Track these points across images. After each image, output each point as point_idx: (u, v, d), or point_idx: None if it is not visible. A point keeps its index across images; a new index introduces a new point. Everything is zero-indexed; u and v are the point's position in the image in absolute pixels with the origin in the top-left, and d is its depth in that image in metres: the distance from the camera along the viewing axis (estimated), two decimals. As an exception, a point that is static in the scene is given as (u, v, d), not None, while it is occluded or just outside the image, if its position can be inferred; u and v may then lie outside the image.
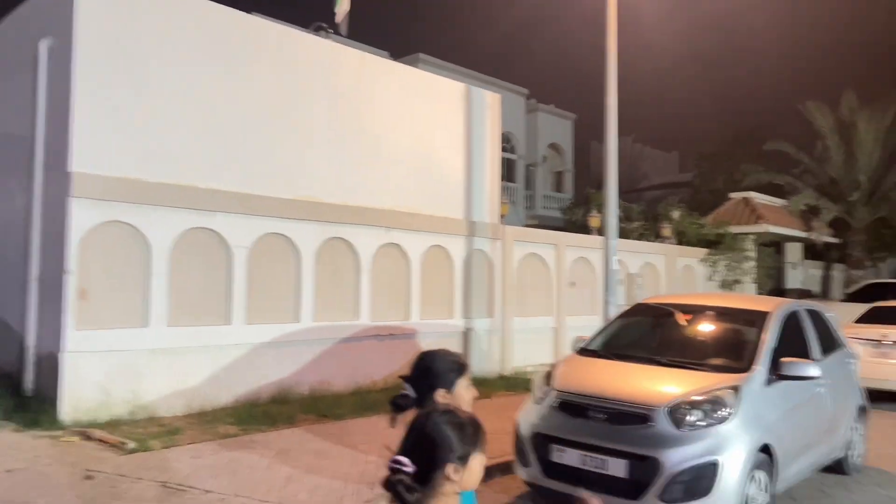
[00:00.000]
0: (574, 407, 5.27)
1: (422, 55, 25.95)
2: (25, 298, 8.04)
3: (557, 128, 35.02)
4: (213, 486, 5.57)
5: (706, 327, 6.16)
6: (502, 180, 29.42)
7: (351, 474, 5.98)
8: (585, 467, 5.00)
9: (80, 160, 7.55)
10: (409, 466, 1.71)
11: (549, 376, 5.73)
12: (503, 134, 29.71)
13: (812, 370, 5.38)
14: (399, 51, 23.27)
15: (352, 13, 12.72)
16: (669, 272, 16.78)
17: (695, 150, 37.14)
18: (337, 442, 7.04)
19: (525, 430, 5.45)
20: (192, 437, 7.00)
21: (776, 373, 5.40)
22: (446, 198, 11.69)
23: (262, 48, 9.39)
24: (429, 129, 11.49)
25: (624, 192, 28.63)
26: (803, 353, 5.99)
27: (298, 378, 9.36)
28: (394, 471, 1.72)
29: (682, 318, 6.17)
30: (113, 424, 7.35)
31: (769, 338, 5.61)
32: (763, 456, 5.03)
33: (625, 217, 19.74)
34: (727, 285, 18.36)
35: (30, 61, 8.33)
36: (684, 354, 5.81)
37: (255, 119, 9.20)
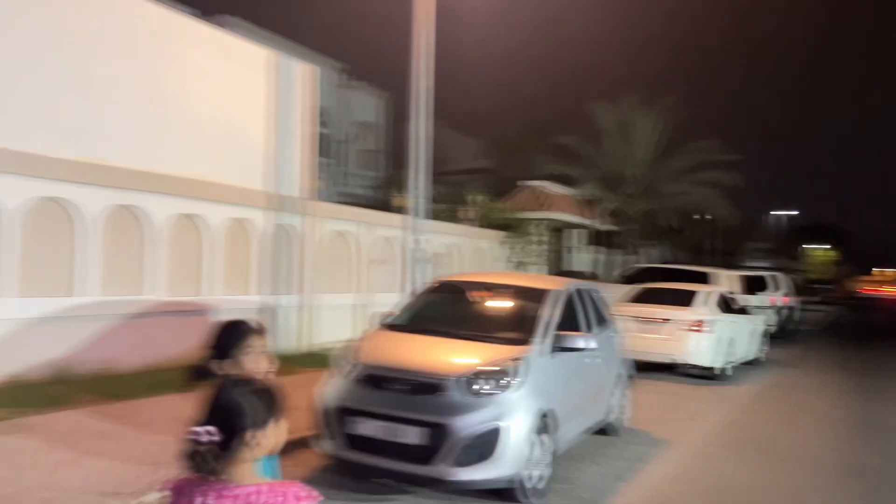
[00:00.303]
0: (376, 379, 5.43)
1: (230, 17, 24.71)
2: None
3: (371, 106, 35.12)
4: (-25, 475, 5.00)
5: (498, 303, 6.62)
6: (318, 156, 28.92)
7: (134, 455, 5.66)
8: (383, 437, 5.19)
9: None
10: (211, 435, 1.69)
11: (352, 350, 5.84)
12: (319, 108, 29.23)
13: (586, 342, 6.01)
14: (211, 9, 21.95)
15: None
16: (470, 252, 17.65)
17: (496, 138, 39.11)
18: (123, 423, 6.61)
19: (327, 403, 5.52)
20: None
21: (556, 345, 5.96)
22: (253, 169, 11.31)
23: (43, -10, 8.40)
24: (237, 96, 11.02)
25: (431, 175, 29.61)
26: (580, 327, 6.65)
27: (82, 356, 8.60)
28: (193, 441, 1.69)
29: (477, 295, 6.57)
30: None
31: (550, 314, 6.16)
32: (542, 421, 5.54)
33: (431, 198, 20.40)
34: (520, 266, 19.72)
35: None
36: (478, 328, 6.21)
37: (35, 68, 8.23)
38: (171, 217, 9.87)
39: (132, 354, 9.20)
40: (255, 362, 2.58)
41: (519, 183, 23.83)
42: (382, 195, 22.38)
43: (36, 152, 8.14)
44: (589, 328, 6.91)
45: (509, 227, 19.94)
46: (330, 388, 5.65)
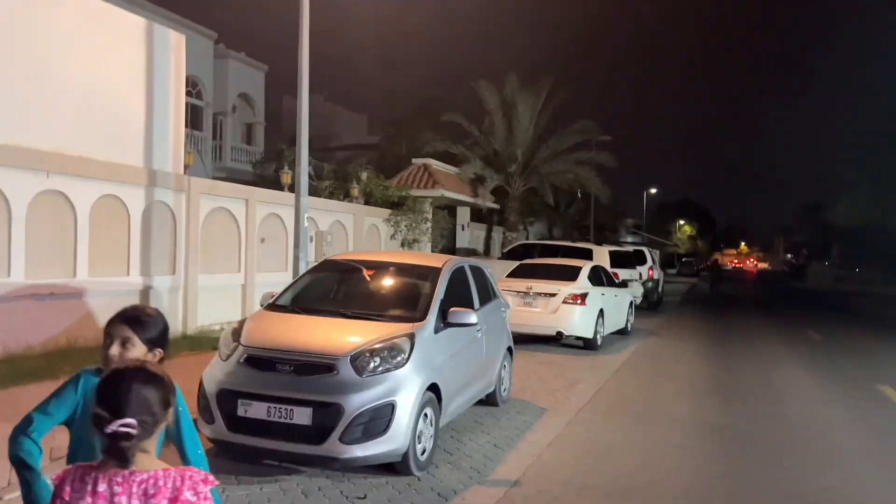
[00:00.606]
0: (261, 361, 5.35)
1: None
2: None
3: (249, 78, 33.81)
4: None
5: (386, 281, 6.68)
6: (187, 128, 27.63)
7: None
8: (272, 418, 5.14)
9: None
10: (130, 428, 1.67)
11: (236, 332, 5.72)
12: (189, 78, 27.87)
13: (472, 318, 6.19)
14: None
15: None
16: (357, 230, 17.56)
17: (384, 115, 38.90)
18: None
19: (210, 387, 5.39)
20: None
21: (444, 321, 6.11)
22: (124, 143, 10.68)
23: None
24: (106, 65, 10.34)
25: (315, 151, 28.89)
26: (467, 303, 6.83)
27: (-72, 346, 7.89)
28: (121, 435, 1.65)
29: (365, 274, 6.60)
30: None
31: (439, 290, 6.29)
32: (431, 394, 5.68)
33: (315, 175, 20.07)
34: (407, 244, 19.85)
35: None
36: (366, 307, 6.25)
37: None
38: (34, 193, 9.16)
39: (-10, 342, 8.54)
40: (117, 350, 2.48)
41: (412, 160, 23.85)
42: (265, 170, 21.74)
43: None
44: (476, 304, 7.12)
45: (398, 204, 19.99)
46: (211, 371, 5.52)
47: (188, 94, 28.68)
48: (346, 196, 18.78)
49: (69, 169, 9.60)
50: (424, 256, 7.52)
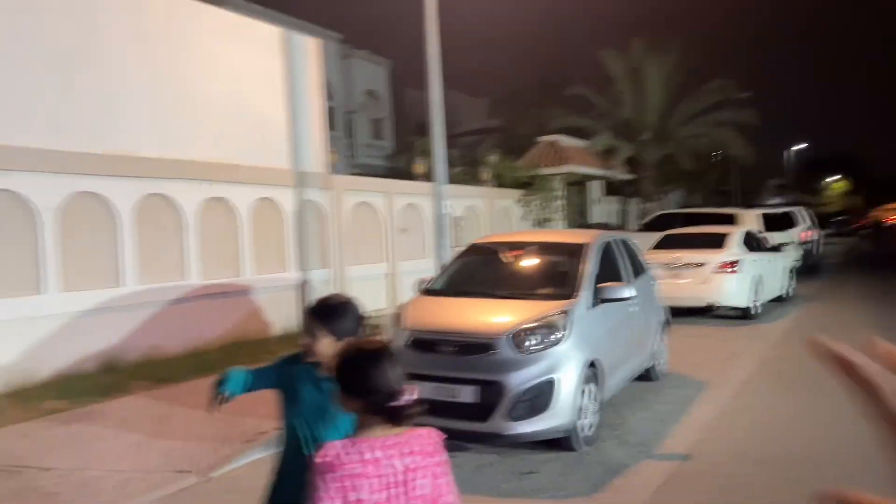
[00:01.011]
0: (424, 343, 5.57)
1: (229, -3, 24.46)
2: None
3: (373, 74, 34.88)
4: (53, 463, 5.23)
5: (535, 261, 6.71)
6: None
7: (204, 434, 5.88)
8: (438, 398, 5.33)
9: None
10: (412, 395, 1.90)
11: (398, 317, 5.97)
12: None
13: (627, 291, 6.09)
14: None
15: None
16: (489, 214, 17.70)
17: (504, 96, 38.70)
18: (180, 404, 6.83)
19: (378, 370, 5.66)
20: (14, 417, 6.44)
21: (597, 297, 6.05)
22: (272, 148, 11.38)
23: (53, -14, 8.42)
24: (248, 75, 11.04)
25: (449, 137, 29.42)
26: (618, 278, 6.73)
27: (127, 345, 8.85)
28: (411, 404, 1.88)
29: (512, 255, 6.66)
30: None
31: (590, 266, 6.24)
32: (591, 370, 5.67)
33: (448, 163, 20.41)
34: (540, 223, 19.75)
35: None
36: (518, 287, 6.32)
37: (55, 67, 8.31)
38: (201, 201, 10.00)
39: (176, 339, 9.43)
40: (308, 340, 2.62)
41: (539, 139, 23.61)
42: (396, 163, 22.36)
43: (64, 148, 8.27)
44: (628, 278, 7.00)
45: (527, 184, 19.92)
46: (380, 355, 5.80)
47: (319, 96, 30.06)
48: (477, 181, 18.95)
49: (227, 177, 10.38)
50: (569, 234, 7.47)
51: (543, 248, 6.79)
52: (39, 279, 8.00)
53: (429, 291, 6.51)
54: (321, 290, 12.02)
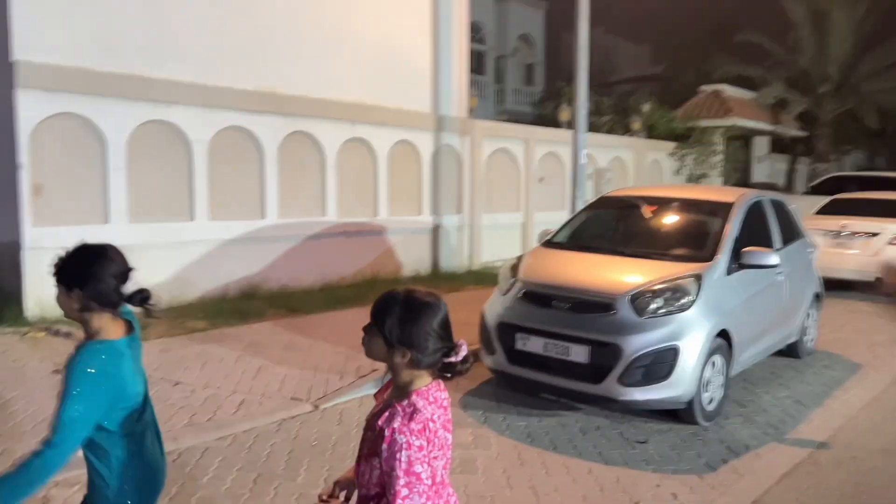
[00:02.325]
0: (539, 297, 5.35)
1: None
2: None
3: (529, 18, 33.91)
4: (183, 378, 5.63)
5: (670, 218, 6.21)
6: (472, 73, 28.67)
7: (320, 365, 6.08)
8: (548, 354, 5.14)
9: (23, 49, 7.10)
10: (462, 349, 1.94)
11: (514, 268, 5.78)
12: (472, 23, 28.78)
13: (772, 259, 5.49)
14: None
15: None
16: (638, 166, 16.82)
17: (668, 42, 36.38)
18: (307, 335, 7.12)
19: (491, 319, 5.55)
20: (160, 332, 7.01)
21: (738, 262, 5.50)
22: (414, 91, 11.36)
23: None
24: (395, 15, 11.01)
25: (595, 86, 28.11)
26: (765, 242, 6.09)
27: (266, 275, 9.35)
28: (464, 359, 1.94)
29: (646, 210, 6.20)
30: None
31: (731, 228, 5.67)
32: (720, 341, 5.20)
33: (595, 110, 19.54)
34: (694, 179, 18.52)
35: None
36: (648, 245, 5.89)
37: (208, 4, 8.68)
38: (342, 141, 10.23)
39: (312, 273, 9.85)
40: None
41: (701, 88, 21.95)
42: (544, 110, 21.73)
43: (217, 84, 8.69)
44: (776, 243, 6.32)
45: (683, 137, 18.67)
46: (492, 305, 5.66)
47: (472, 39, 29.75)
48: (627, 131, 18.02)
49: (369, 118, 10.51)
50: (714, 190, 6.80)
51: (681, 205, 6.26)
52: (191, 207, 8.57)
53: (550, 243, 6.24)
54: (454, 235, 12.05)
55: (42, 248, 7.29)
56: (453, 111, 12.00)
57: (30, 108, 7.15)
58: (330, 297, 9.18)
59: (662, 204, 6.28)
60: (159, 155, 8.26)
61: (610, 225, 6.55)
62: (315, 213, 10.01)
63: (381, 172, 10.85)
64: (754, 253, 5.50)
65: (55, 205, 7.40)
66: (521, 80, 33.70)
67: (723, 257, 5.43)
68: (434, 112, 11.63)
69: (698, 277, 5.14)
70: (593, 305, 5.08)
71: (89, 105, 7.56)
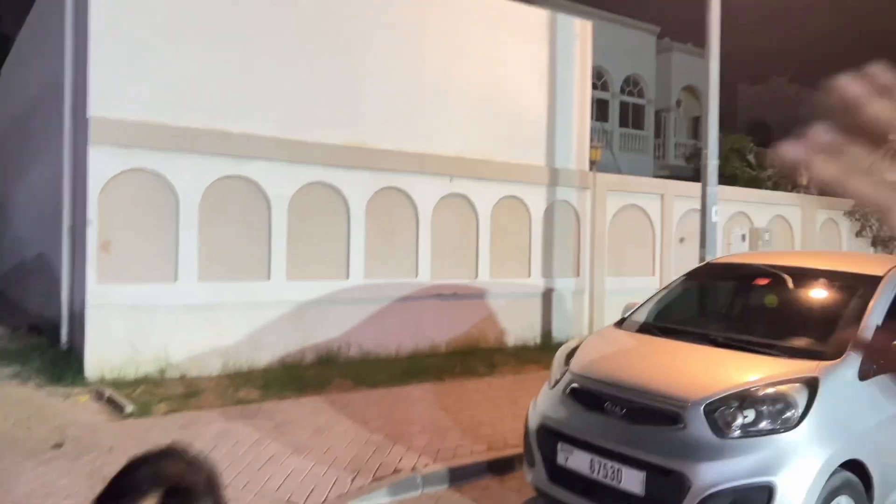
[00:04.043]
0: (589, 395, 4.08)
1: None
2: (60, 250, 7.89)
3: (694, 68, 31.91)
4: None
5: (788, 295, 4.65)
6: (632, 128, 27.27)
7: (341, 458, 5.16)
8: (596, 476, 3.84)
9: (100, 104, 7.13)
10: None
11: (570, 354, 4.55)
12: (630, 77, 27.54)
13: (933, 360, 3.81)
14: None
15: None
16: (806, 226, 14.49)
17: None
18: (349, 415, 6.25)
19: (532, 420, 4.35)
20: (205, 402, 6.50)
21: (880, 360, 3.89)
22: (524, 142, 10.42)
23: (305, -22, 8.53)
24: (505, 63, 10.22)
25: (774, 140, 25.42)
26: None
27: (348, 339, 8.69)
28: None
29: (758, 283, 4.71)
30: (139, 383, 7.03)
31: (873, 312, 4.06)
32: (849, 476, 3.62)
33: (757, 164, 17.41)
34: (881, 243, 15.66)
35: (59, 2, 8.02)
36: (750, 331, 4.41)
37: (299, 56, 8.42)
38: (438, 197, 9.48)
39: (400, 338, 9.07)
40: None
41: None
42: (699, 163, 19.78)
43: (301, 138, 8.33)
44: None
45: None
46: (538, 401, 4.45)
47: (629, 93, 28.43)
48: (795, 186, 15.72)
49: (470, 172, 9.70)
50: (862, 259, 5.04)
51: (808, 278, 4.69)
52: (268, 266, 8.16)
53: (624, 323, 4.92)
54: (570, 300, 10.77)
55: (106, 305, 7.14)
56: (571, 164, 10.87)
57: (101, 165, 7.12)
58: (412, 366, 8.31)
59: (781, 275, 4.75)
60: (235, 211, 7.96)
61: (708, 301, 5.10)
62: (406, 274, 9.26)
63: (483, 230, 9.92)
64: (907, 350, 3.86)
65: (122, 262, 7.26)
66: (687, 133, 31.68)
67: (855, 354, 3.85)
68: (547, 165, 10.58)
69: (812, 382, 3.62)
70: (656, 414, 3.74)
71: (163, 160, 7.43)
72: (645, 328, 4.70)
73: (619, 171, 16.59)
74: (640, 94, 28.76)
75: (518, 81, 10.35)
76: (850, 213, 15.42)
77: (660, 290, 5.31)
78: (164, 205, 7.50)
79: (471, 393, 7.18)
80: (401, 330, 9.11)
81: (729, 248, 13.25)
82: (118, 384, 6.89)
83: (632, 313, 5.03)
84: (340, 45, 8.74)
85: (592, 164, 11.28)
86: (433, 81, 9.52)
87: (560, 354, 4.63)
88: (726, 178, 17.29)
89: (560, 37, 10.77)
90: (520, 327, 10.21)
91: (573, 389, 4.18)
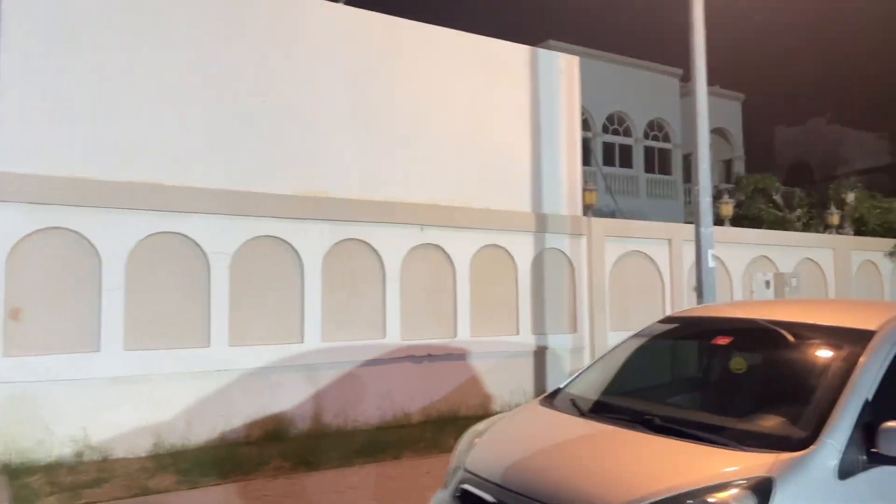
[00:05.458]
0: (476, 501, 3.07)
1: (552, 41, 23.65)
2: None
3: (723, 111, 30.93)
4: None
5: (755, 360, 3.58)
6: (658, 173, 26.22)
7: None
8: None
9: (8, 158, 6.54)
10: None
11: (468, 441, 3.55)
12: (655, 121, 26.68)
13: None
14: (532, 38, 21.34)
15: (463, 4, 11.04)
16: (840, 270, 13.14)
17: (898, 124, 31.09)
18: (263, 508, 5.29)
19: (420, 530, 3.34)
20: (104, 494, 5.62)
21: (870, 449, 2.80)
22: (507, 187, 9.55)
23: (252, 17, 7.97)
24: (485, 104, 9.45)
25: (816, 181, 24.01)
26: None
27: (303, 411, 7.77)
28: None
29: (721, 342, 3.67)
30: (49, 469, 6.22)
31: (863, 379, 2.98)
32: None
33: (784, 204, 16.17)
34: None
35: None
36: (705, 407, 3.36)
37: (246, 103, 7.79)
38: (407, 249, 8.62)
39: (368, 407, 8.15)
40: None
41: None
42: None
43: (249, 189, 7.63)
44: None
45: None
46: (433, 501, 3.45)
47: (653, 137, 27.51)
48: (828, 227, 14.41)
49: (444, 220, 8.85)
50: (858, 310, 3.87)
51: (779, 336, 3.59)
52: (207, 331, 7.35)
53: (557, 395, 3.89)
54: (568, 358, 9.69)
55: (13, 381, 6.39)
56: (561, 209, 9.93)
57: (10, 224, 6.48)
58: (373, 441, 7.33)
59: (749, 332, 3.69)
60: (169, 271, 7.22)
61: (659, 366, 4.04)
62: (372, 335, 8.35)
63: (462, 283, 8.99)
64: (907, 433, 2.76)
65: (35, 331, 6.54)
66: (718, 177, 30.51)
67: (836, 439, 2.76)
68: (534, 210, 9.65)
69: (763, 486, 2.56)
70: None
71: (82, 218, 6.77)
72: (576, 404, 3.66)
73: (621, 215, 15.54)
74: (666, 139, 27.89)
75: (500, 123, 9.56)
76: (892, 254, 14.01)
77: (611, 350, 4.28)
78: (83, 266, 6.80)
79: (422, 476, 6.13)
80: (365, 398, 8.16)
81: (752, 297, 12.00)
82: (26, 470, 6.09)
83: (569, 382, 4.01)
84: (293, 91, 8.10)
85: (588, 208, 10.31)
86: (404, 126, 8.79)
87: (464, 440, 3.62)
88: (751, 221, 16.07)
89: (543, 74, 9.99)
90: (508, 391, 9.14)
91: (463, 493, 3.17)
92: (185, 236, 7.30)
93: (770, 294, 12.00)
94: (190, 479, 6.00)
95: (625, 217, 13.82)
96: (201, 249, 7.36)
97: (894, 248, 14.03)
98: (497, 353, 9.15)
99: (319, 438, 7.44)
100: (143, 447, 6.87)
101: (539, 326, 9.57)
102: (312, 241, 8.00)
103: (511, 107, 9.70)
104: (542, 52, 10.14)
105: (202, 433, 7.16)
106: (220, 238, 7.45)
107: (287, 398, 7.70)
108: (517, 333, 9.39)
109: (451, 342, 8.87)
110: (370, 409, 8.16)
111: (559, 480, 2.88)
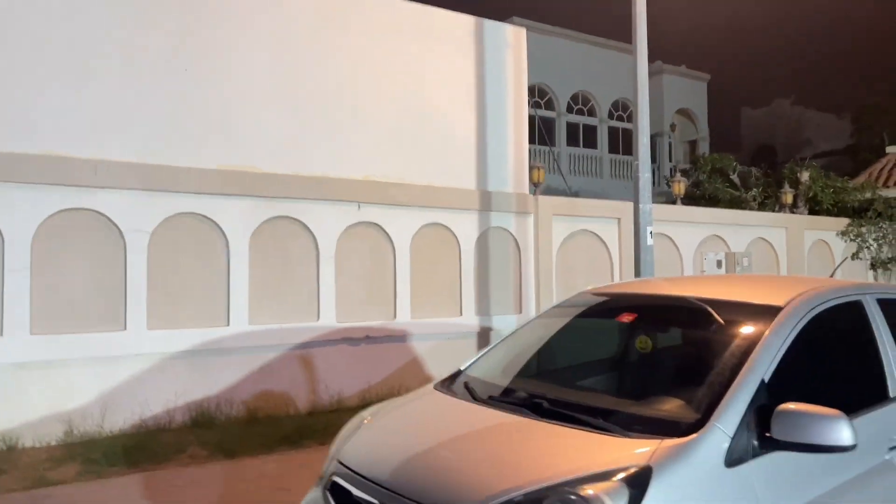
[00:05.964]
0: (345, 496, 2.79)
1: (516, 18, 23.26)
2: None
3: (688, 91, 30.92)
4: None
5: (657, 338, 3.34)
6: (622, 154, 26.06)
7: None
8: None
9: None
10: None
11: (348, 431, 3.27)
12: (619, 101, 26.49)
13: (835, 432, 2.47)
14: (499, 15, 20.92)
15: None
16: (793, 249, 13.08)
17: (860, 107, 31.42)
18: (159, 501, 4.97)
19: (292, 526, 3.05)
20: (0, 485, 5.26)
21: (764, 433, 2.56)
22: (450, 165, 9.23)
23: (171, -16, 7.51)
24: (427, 77, 9.10)
25: (781, 162, 24.10)
26: (858, 393, 3.04)
27: (230, 396, 7.43)
28: None
29: (621, 320, 3.42)
30: (-53, 459, 5.82)
31: (760, 359, 2.74)
32: None
33: (741, 184, 16.10)
34: (880, 264, 14.19)
35: None
36: (604, 390, 3.10)
37: (163, 70, 7.35)
38: (343, 227, 8.29)
39: (300, 391, 7.83)
40: None
41: (888, 150, 17.53)
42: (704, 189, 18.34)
43: (167, 163, 7.22)
44: (880, 396, 3.17)
45: (862, 211, 14.57)
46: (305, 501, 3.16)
47: (618, 118, 27.32)
48: (782, 206, 14.35)
49: (382, 198, 8.51)
50: (771, 286, 3.59)
51: (689, 313, 3.36)
52: (122, 313, 6.96)
53: (450, 382, 3.62)
54: (512, 341, 9.43)
55: None
56: (507, 187, 9.65)
57: None
58: (301, 427, 7.02)
59: (655, 309, 3.44)
60: (81, 250, 6.79)
61: (564, 346, 3.78)
62: (304, 317, 8.01)
63: (402, 263, 8.68)
64: (801, 415, 2.51)
65: (-72, 314, 6.11)
66: (684, 157, 30.53)
67: (722, 425, 2.52)
68: (478, 188, 9.37)
69: (639, 477, 2.31)
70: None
71: (-19, 193, 6.32)
72: (469, 389, 3.39)
73: (573, 194, 15.33)
74: (631, 119, 27.65)
75: (443, 96, 9.22)
76: (843, 234, 14.00)
77: (517, 329, 4.02)
78: (-16, 245, 6.37)
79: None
80: (298, 382, 7.86)
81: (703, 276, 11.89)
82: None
83: (471, 364, 3.75)
84: (216, 58, 7.67)
85: (536, 186, 10.05)
86: (338, 97, 8.41)
87: (349, 427, 3.34)
88: (709, 201, 15.97)
89: (490, 47, 9.67)
90: (450, 372, 8.87)
91: (333, 485, 2.89)
92: (98, 213, 6.87)
93: (722, 272, 11.90)
94: (95, 469, 5.66)
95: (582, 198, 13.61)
96: (116, 227, 6.95)
97: (847, 227, 14.02)
98: (439, 334, 8.88)
99: (245, 425, 7.12)
100: (53, 435, 6.49)
101: (483, 307, 9.32)
102: (238, 218, 7.62)
103: (455, 80, 9.37)
104: (487, 23, 9.79)
105: (118, 420, 6.80)
106: (137, 215, 7.04)
107: (212, 384, 7.36)
108: (460, 314, 9.13)
109: (391, 324, 8.58)
110: (302, 394, 7.86)
111: (426, 475, 2.61)
